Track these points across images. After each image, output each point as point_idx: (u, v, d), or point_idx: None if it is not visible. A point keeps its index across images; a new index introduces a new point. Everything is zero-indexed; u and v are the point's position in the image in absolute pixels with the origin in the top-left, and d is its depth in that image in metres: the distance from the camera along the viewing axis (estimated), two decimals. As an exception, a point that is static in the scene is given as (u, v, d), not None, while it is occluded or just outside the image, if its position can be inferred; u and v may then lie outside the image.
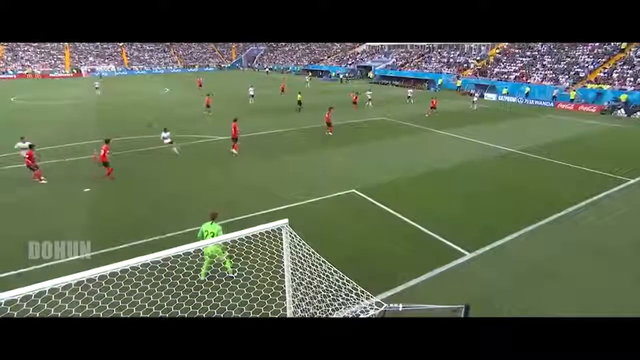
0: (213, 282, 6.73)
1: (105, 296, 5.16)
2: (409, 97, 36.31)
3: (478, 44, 53.44)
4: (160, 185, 13.87)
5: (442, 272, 8.40)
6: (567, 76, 39.89)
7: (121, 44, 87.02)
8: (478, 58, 52.67)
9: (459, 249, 9.35)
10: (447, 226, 10.50)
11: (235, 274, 7.64)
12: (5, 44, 73.73)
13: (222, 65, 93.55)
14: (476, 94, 38.17)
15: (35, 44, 77.71)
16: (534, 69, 43.76)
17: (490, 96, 40.59)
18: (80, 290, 4.54)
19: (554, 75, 41.07)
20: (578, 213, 11.63)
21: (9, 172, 15.29)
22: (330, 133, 21.41)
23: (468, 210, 11.80)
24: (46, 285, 3.51)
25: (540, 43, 46.27)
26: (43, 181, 13.98)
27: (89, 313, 5.25)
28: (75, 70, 73.85)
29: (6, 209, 11.76)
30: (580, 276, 8.45)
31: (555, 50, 44.93)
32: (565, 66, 41.57)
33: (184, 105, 33.46)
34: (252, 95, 34.24)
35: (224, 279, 7.16)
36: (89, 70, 74.87)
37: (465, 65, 52.36)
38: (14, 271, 8.20)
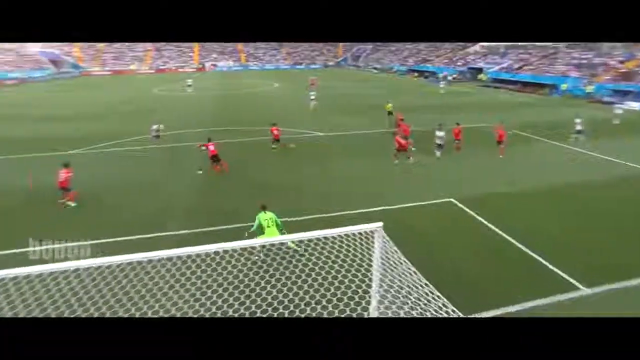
0: (284, 279, 6.74)
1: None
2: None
3: (621, 43, 45.19)
4: (257, 174, 15.15)
5: (547, 304, 7.45)
6: None
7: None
8: (622, 59, 44.46)
9: (573, 281, 8.17)
10: (560, 253, 9.25)
11: (301, 248, 7.58)
12: (151, 44, 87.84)
13: (328, 64, 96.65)
14: (619, 105, 30.27)
15: (175, 44, 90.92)
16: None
17: (633, 105, 33.65)
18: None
19: None
20: None
21: (146, 152, 18.36)
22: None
23: (588, 238, 10.20)
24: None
25: None
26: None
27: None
28: (200, 66, 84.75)
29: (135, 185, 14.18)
30: None
31: None
32: None
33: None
34: (313, 99, 32.05)
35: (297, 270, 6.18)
36: (211, 65, 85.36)
37: (602, 67, 44.64)
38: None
